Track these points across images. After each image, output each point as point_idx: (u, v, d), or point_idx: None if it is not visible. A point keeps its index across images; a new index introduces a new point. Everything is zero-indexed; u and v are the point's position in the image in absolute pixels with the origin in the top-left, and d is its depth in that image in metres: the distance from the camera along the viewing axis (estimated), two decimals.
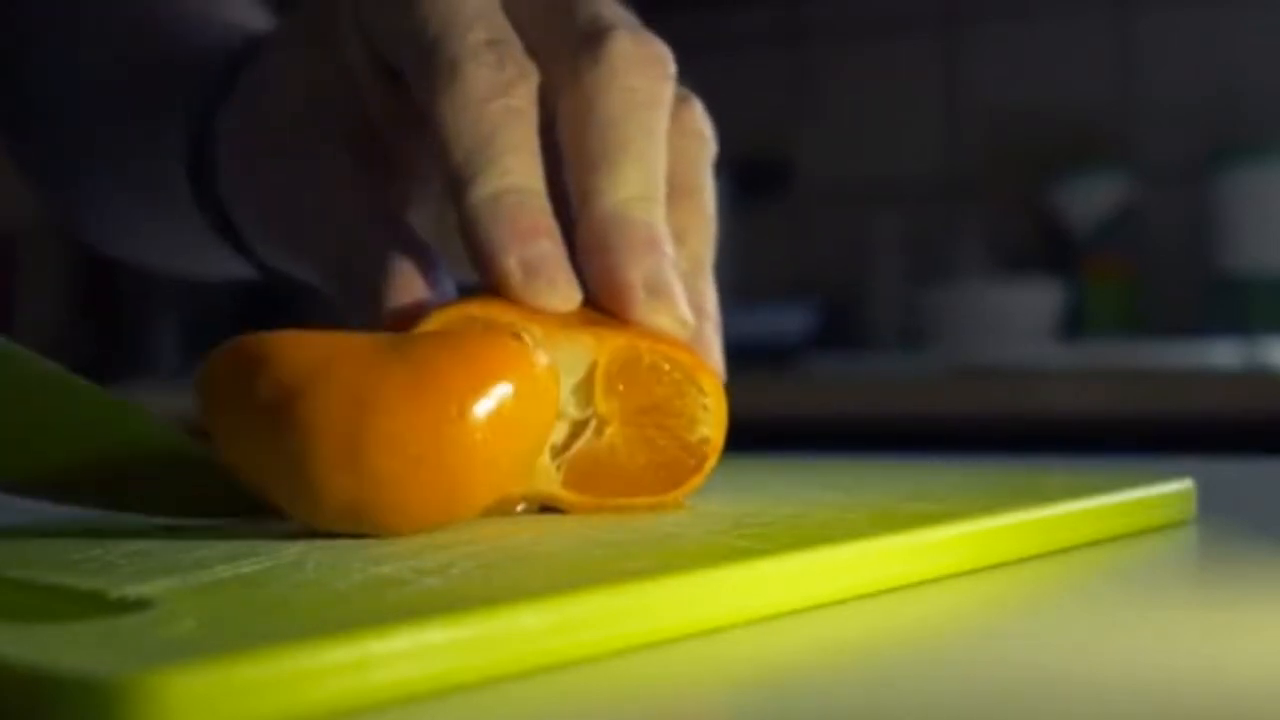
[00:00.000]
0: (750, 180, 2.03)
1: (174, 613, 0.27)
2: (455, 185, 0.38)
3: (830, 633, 0.30)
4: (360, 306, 0.39)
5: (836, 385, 1.55)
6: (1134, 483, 0.41)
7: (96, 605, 0.28)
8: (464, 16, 0.39)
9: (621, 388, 0.37)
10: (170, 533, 0.37)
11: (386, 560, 0.31)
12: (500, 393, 0.33)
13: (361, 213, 0.40)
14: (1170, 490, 0.41)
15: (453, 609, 0.26)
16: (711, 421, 0.38)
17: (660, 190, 0.38)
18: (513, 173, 0.37)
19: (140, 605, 0.27)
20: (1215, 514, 0.43)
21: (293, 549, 0.33)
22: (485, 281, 0.37)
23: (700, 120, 0.42)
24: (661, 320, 0.38)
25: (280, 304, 1.89)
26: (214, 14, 0.54)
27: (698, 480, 0.38)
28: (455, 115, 0.38)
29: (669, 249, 0.38)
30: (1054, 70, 2.03)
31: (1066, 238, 1.96)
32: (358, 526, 0.34)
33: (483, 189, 0.37)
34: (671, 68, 0.40)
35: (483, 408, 0.33)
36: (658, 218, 0.38)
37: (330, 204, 0.41)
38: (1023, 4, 2.05)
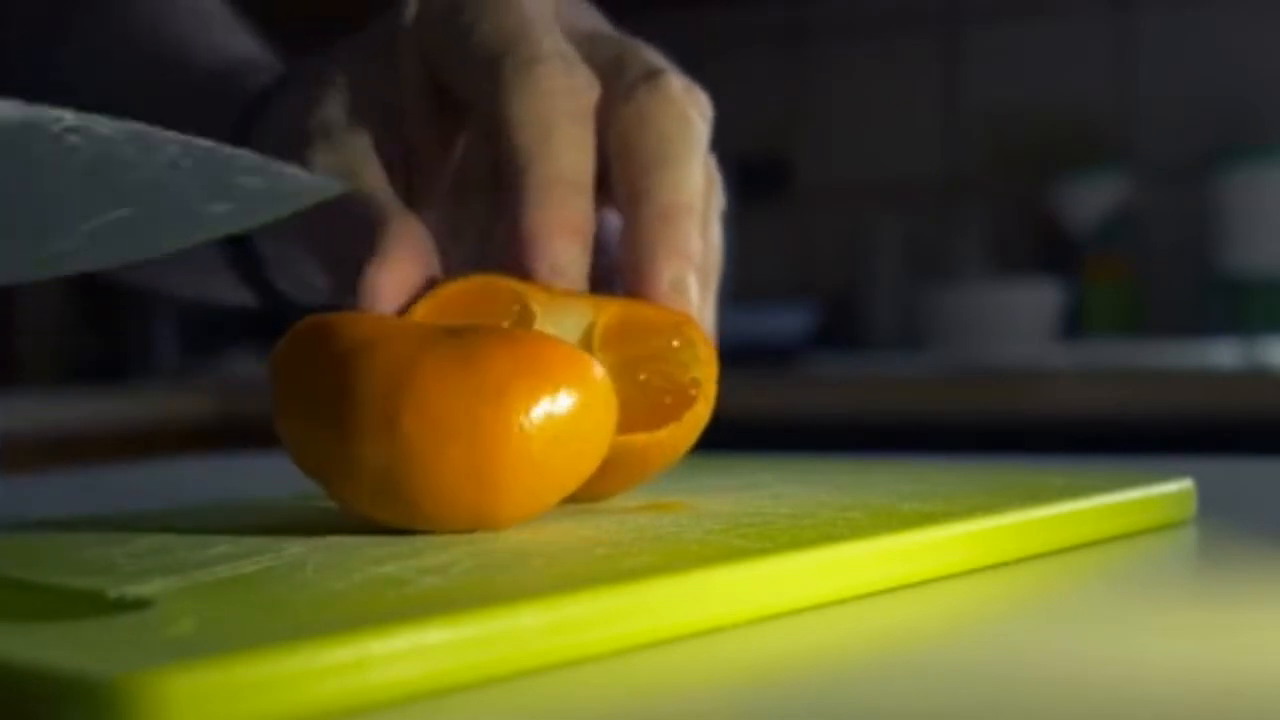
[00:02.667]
0: (750, 180, 2.03)
1: (173, 613, 0.27)
2: (510, 168, 0.40)
3: (830, 633, 0.30)
4: (349, 287, 0.39)
5: (836, 385, 1.55)
6: (1134, 483, 0.41)
7: (96, 605, 0.28)
8: (536, 30, 0.42)
9: (617, 341, 0.39)
10: (170, 533, 0.37)
11: (386, 560, 0.31)
12: (548, 389, 0.33)
13: (369, 198, 0.42)
14: (1170, 490, 0.41)
15: (452, 609, 0.26)
16: (701, 367, 0.39)
17: (698, 201, 0.42)
18: (569, 167, 0.40)
19: (140, 605, 0.27)
20: (1215, 514, 0.43)
21: (293, 549, 0.33)
22: (512, 256, 0.39)
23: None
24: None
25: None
26: (233, 48, 0.56)
27: (690, 419, 0.38)
28: (524, 102, 0.40)
29: (696, 252, 0.41)
30: (1054, 70, 2.03)
31: (1066, 238, 1.96)
32: (394, 509, 0.34)
33: (538, 174, 0.40)
34: (709, 109, 0.43)
35: (527, 399, 0.33)
36: (691, 227, 0.41)
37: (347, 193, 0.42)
38: (1023, 4, 2.05)
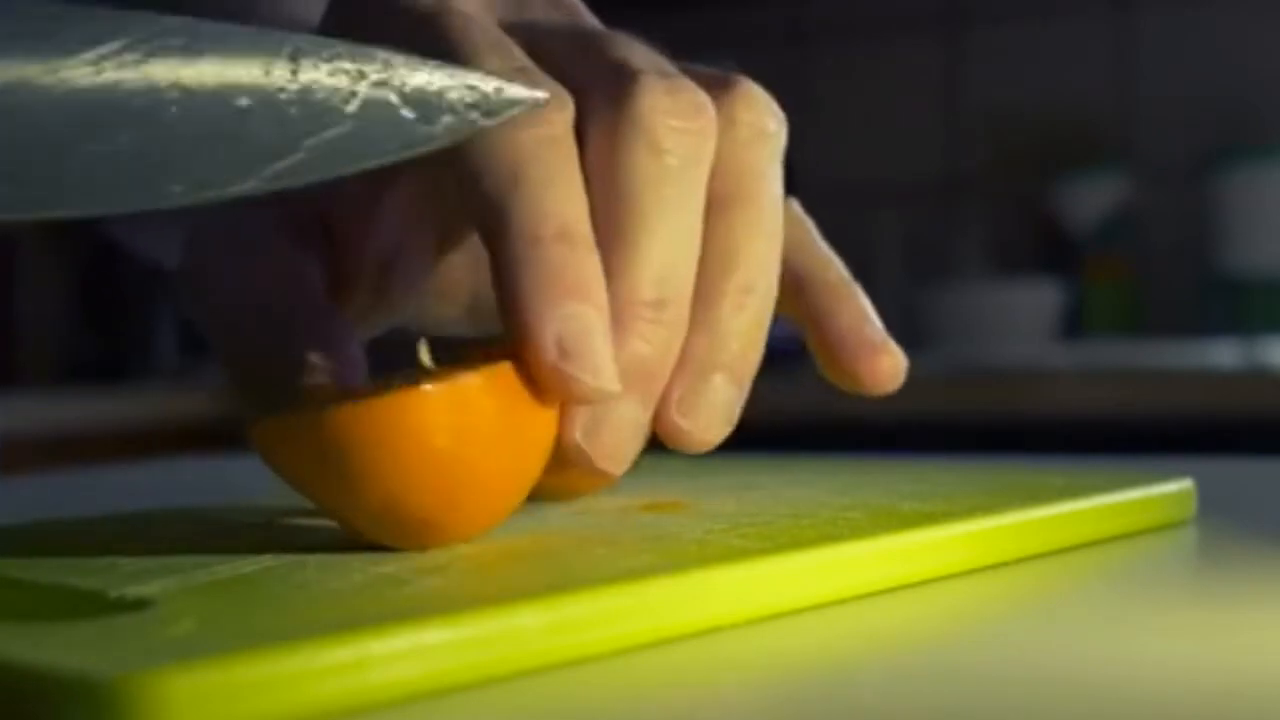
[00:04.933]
0: None
1: (173, 612, 0.27)
2: (485, 224, 0.32)
3: (830, 633, 0.30)
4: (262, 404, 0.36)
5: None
6: (1134, 483, 0.41)
7: (96, 605, 0.28)
8: (479, 43, 0.33)
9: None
10: (170, 533, 0.37)
11: (386, 560, 0.31)
12: (455, 407, 0.32)
13: (287, 312, 0.37)
14: (1170, 490, 0.41)
15: (452, 609, 0.26)
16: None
17: (679, 280, 0.34)
18: (551, 214, 0.32)
19: (140, 605, 0.27)
20: (1215, 514, 0.43)
21: (292, 549, 0.33)
22: (514, 342, 0.32)
23: (753, 111, 0.36)
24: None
25: None
26: (299, 14, 0.48)
27: None
28: (482, 146, 0.32)
29: (665, 370, 0.34)
30: (1054, 70, 2.03)
31: (1066, 238, 1.96)
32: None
33: (514, 232, 0.32)
34: (711, 117, 0.34)
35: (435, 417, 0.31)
36: (659, 332, 0.33)
37: (264, 302, 0.37)
38: (1023, 4, 2.05)
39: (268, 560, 0.32)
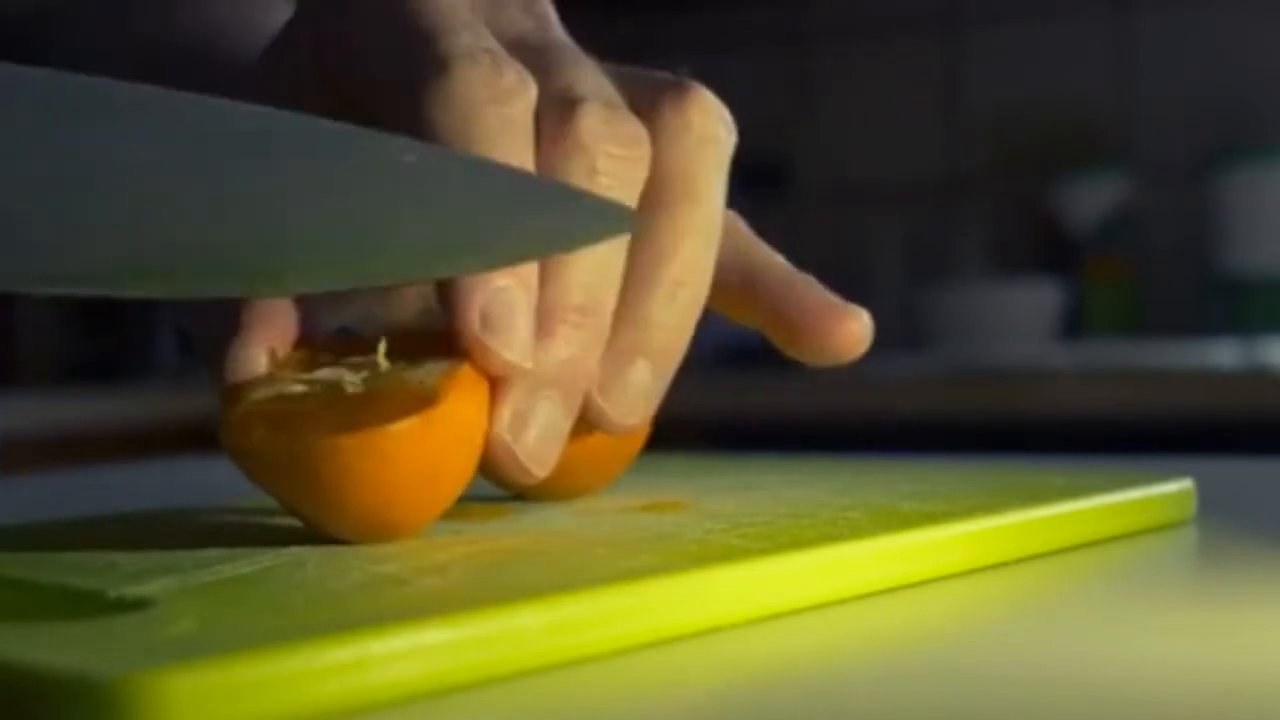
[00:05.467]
0: (750, 180, 2.03)
1: (173, 612, 0.27)
2: None
3: (830, 632, 0.30)
4: (211, 362, 0.37)
5: (836, 385, 1.55)
6: (1134, 483, 0.41)
7: (96, 605, 0.28)
8: (453, 20, 0.35)
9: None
10: (170, 532, 0.37)
11: (386, 560, 0.31)
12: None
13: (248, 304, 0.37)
14: (1170, 490, 0.41)
15: (452, 609, 0.26)
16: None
17: (603, 291, 0.35)
18: None
19: (139, 605, 0.27)
20: (1215, 514, 0.43)
21: (292, 549, 0.33)
22: (442, 306, 0.34)
23: (706, 116, 0.37)
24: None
25: None
26: (272, 28, 0.51)
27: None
28: (443, 114, 0.34)
29: (587, 375, 0.35)
30: (1054, 70, 2.03)
31: (1066, 238, 1.96)
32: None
33: None
34: (646, 148, 0.36)
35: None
36: (583, 336, 0.35)
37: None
38: (1023, 4, 2.05)
39: (267, 560, 0.32)
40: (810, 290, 0.40)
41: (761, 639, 0.29)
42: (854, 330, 0.39)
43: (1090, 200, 1.93)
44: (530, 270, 0.34)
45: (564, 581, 0.28)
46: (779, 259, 0.40)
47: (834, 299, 0.39)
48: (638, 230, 0.35)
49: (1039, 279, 1.91)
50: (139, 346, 2.22)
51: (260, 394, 0.35)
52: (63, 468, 0.90)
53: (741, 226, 0.41)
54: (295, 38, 0.39)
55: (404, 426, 0.32)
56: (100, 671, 0.22)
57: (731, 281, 0.39)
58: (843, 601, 0.32)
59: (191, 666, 0.22)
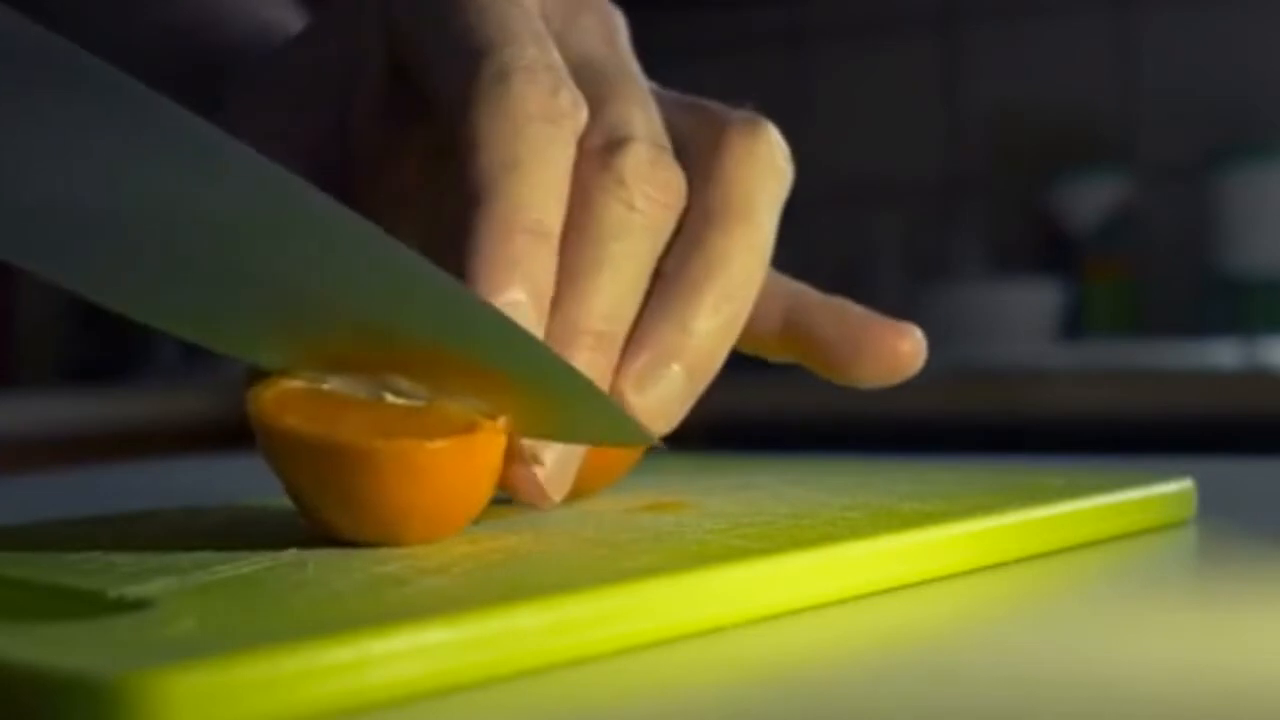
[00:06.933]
0: None
1: (173, 612, 0.27)
2: (467, 194, 0.34)
3: (830, 633, 0.30)
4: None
5: (836, 385, 1.55)
6: (1134, 483, 0.41)
7: (95, 605, 0.28)
8: (521, 32, 0.36)
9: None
10: (169, 533, 0.37)
11: (386, 560, 0.31)
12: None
13: None
14: (1170, 490, 0.41)
15: (452, 609, 0.26)
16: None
17: (621, 322, 0.35)
18: (534, 210, 0.34)
19: (139, 605, 0.27)
20: (1215, 514, 0.43)
21: (292, 549, 0.33)
22: None
23: (771, 148, 0.39)
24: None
25: None
26: (259, 13, 0.51)
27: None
28: (492, 124, 0.34)
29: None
30: (1054, 70, 2.03)
31: (1066, 238, 1.96)
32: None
33: (496, 213, 0.34)
34: (682, 195, 0.37)
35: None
36: (598, 358, 0.35)
37: None
38: (1023, 4, 2.05)
39: (267, 560, 0.32)
40: (854, 312, 0.40)
41: (761, 639, 0.29)
42: (907, 348, 0.39)
43: (1090, 200, 1.93)
44: (547, 288, 0.34)
45: (564, 581, 0.28)
46: (808, 288, 0.41)
47: (881, 318, 0.40)
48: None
49: (1039, 279, 1.91)
50: (139, 346, 2.22)
51: (295, 382, 0.34)
52: (63, 468, 0.90)
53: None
54: (363, 8, 0.39)
55: (443, 445, 0.33)
56: (100, 672, 0.22)
57: (772, 315, 0.39)
58: (843, 601, 0.32)
59: (191, 666, 0.22)
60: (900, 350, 0.40)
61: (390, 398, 0.34)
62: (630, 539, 0.33)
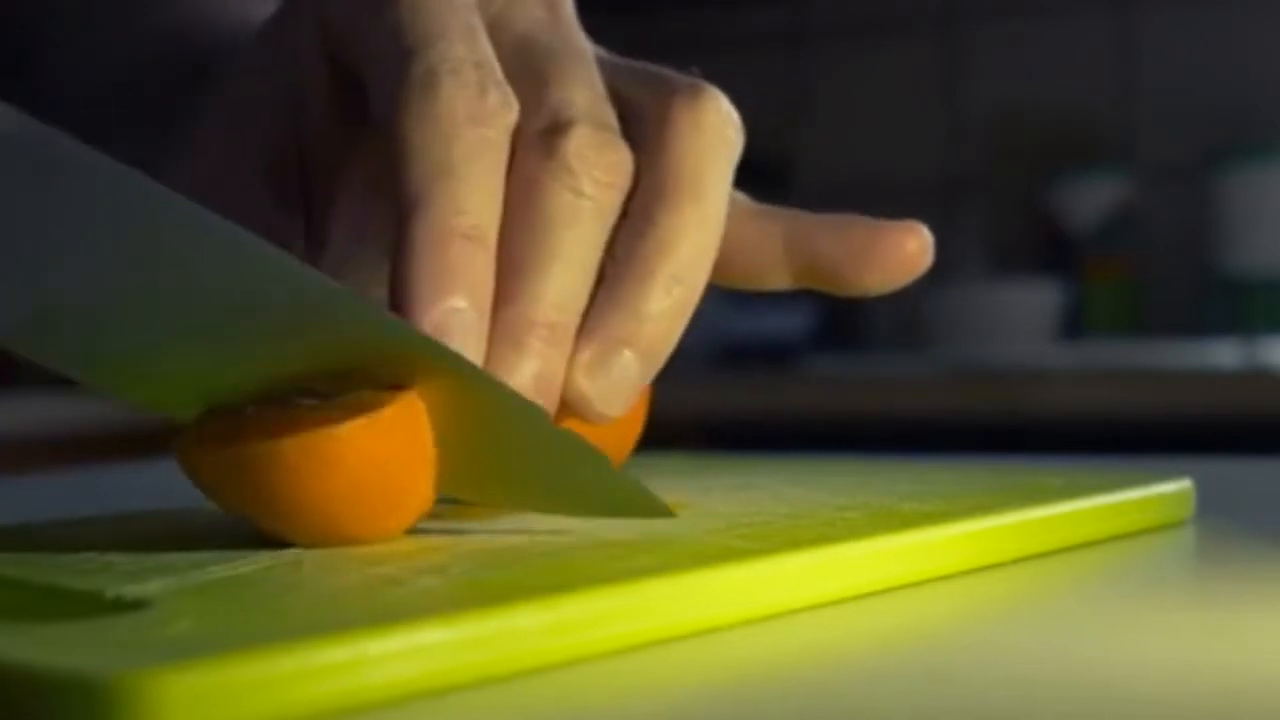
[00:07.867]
0: (750, 180, 2.03)
1: (171, 613, 0.27)
2: (401, 201, 0.34)
3: (828, 633, 0.30)
4: None
5: (836, 385, 1.55)
6: (1134, 483, 0.41)
7: (93, 605, 0.28)
8: (450, 28, 0.35)
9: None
10: (167, 533, 0.37)
11: (384, 560, 0.31)
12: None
13: None
14: (1170, 490, 0.41)
15: (450, 609, 0.26)
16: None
17: (573, 312, 0.35)
18: (470, 215, 0.34)
19: (137, 605, 0.27)
20: (1214, 514, 0.43)
21: (290, 549, 0.33)
22: (394, 306, 0.34)
23: (719, 117, 0.38)
24: None
25: None
26: (246, 10, 0.50)
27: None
28: (421, 131, 0.34)
29: (556, 391, 0.35)
30: (1054, 70, 2.03)
31: (1066, 238, 1.96)
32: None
33: (430, 220, 0.33)
34: (629, 175, 0.36)
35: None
36: (553, 351, 0.35)
37: None
38: (1023, 4, 2.05)
39: (265, 560, 0.32)
40: (855, 224, 0.40)
41: (761, 639, 0.29)
42: (914, 246, 0.39)
43: (1090, 200, 1.93)
44: (487, 292, 0.34)
45: (563, 581, 0.28)
46: (803, 212, 0.41)
47: (883, 222, 0.40)
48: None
49: (1039, 279, 1.91)
50: None
51: (213, 416, 0.35)
52: (63, 468, 0.90)
53: (752, 204, 0.41)
54: (298, 10, 0.39)
55: (350, 427, 0.32)
56: (98, 672, 0.22)
57: (772, 246, 0.39)
58: (842, 602, 0.32)
59: (189, 666, 0.22)
60: (908, 250, 0.40)
61: (303, 403, 0.34)
62: (630, 539, 0.33)
